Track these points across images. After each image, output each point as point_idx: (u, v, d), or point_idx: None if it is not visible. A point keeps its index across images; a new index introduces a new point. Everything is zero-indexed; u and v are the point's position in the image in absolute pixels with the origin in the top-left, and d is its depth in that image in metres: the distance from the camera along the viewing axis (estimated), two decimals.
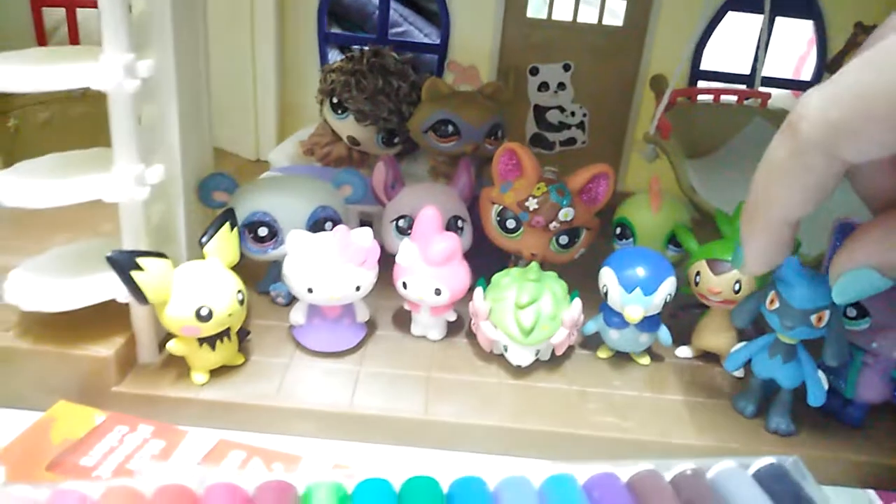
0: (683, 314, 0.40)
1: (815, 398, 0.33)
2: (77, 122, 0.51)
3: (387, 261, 0.38)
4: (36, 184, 0.31)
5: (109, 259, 0.30)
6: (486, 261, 0.41)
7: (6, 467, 0.29)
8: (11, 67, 0.29)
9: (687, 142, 0.52)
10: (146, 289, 0.31)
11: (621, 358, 0.39)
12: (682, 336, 0.40)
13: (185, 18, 0.34)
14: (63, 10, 0.55)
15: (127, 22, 0.30)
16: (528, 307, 0.35)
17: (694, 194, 0.48)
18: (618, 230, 0.43)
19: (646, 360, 0.39)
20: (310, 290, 0.35)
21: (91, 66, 0.29)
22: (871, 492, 0.33)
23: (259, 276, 0.42)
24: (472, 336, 0.39)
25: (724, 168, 0.51)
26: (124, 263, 0.31)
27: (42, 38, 0.55)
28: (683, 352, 0.40)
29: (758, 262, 0.29)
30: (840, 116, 0.24)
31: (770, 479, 0.26)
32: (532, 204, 0.39)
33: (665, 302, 0.36)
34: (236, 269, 0.35)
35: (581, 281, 0.39)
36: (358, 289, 0.36)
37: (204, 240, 0.34)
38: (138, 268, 0.31)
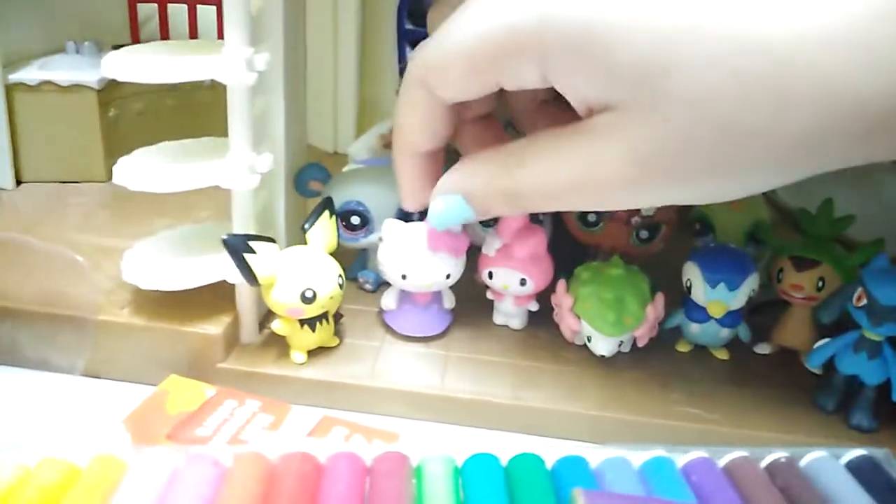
0: (763, 311, 0.41)
1: None
2: (168, 113, 0.54)
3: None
4: (158, 169, 0.33)
5: (225, 241, 0.32)
6: (567, 254, 0.42)
7: (131, 434, 0.31)
8: (143, 58, 0.31)
9: None
10: (257, 271, 0.33)
11: (700, 351, 0.40)
12: (760, 332, 0.40)
13: (292, 14, 0.36)
14: (155, 5, 0.58)
15: (248, 17, 0.31)
16: (612, 299, 0.36)
17: (772, 193, 0.49)
18: (697, 226, 0.44)
19: (724, 354, 0.40)
20: (403, 277, 0.36)
21: (215, 59, 0.31)
22: None
23: (347, 263, 0.44)
24: (552, 326, 0.40)
25: None
26: (238, 246, 0.32)
27: (136, 32, 0.58)
28: (762, 348, 0.40)
29: (408, 197, 0.34)
30: (432, 56, 0.28)
31: (863, 470, 0.27)
32: None
33: (748, 298, 0.37)
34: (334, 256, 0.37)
35: (660, 275, 0.40)
36: (448, 276, 0.37)
37: (307, 226, 0.36)
38: (251, 251, 0.33)
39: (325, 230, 0.36)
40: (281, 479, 0.24)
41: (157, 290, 0.35)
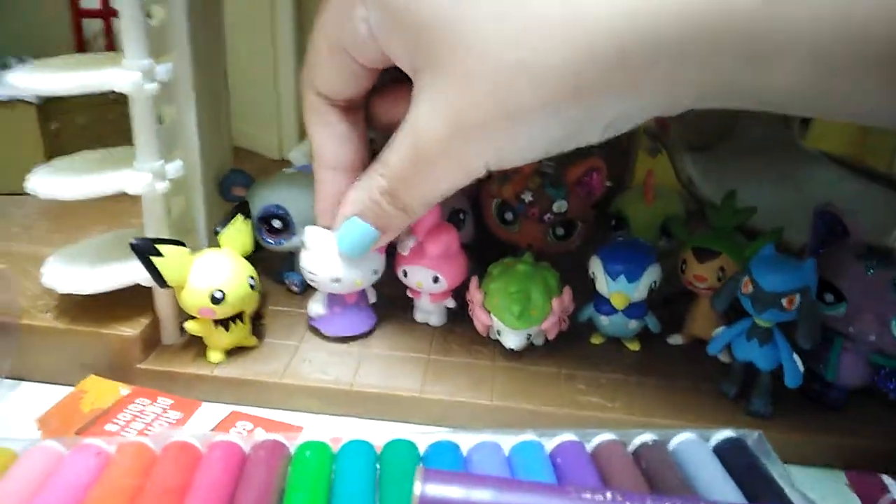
0: (677, 302, 0.42)
1: (792, 380, 0.34)
2: (112, 124, 0.55)
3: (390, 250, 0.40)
4: (66, 177, 0.34)
5: (132, 245, 0.34)
6: (490, 252, 0.43)
7: (42, 431, 0.32)
8: (44, 74, 0.33)
9: (694, 134, 0.54)
10: (165, 273, 0.34)
11: (614, 344, 0.41)
12: (674, 324, 0.41)
13: (201, 27, 0.37)
14: (101, 20, 0.59)
15: (145, 30, 0.33)
16: (518, 293, 0.37)
17: (692, 186, 0.50)
18: (613, 222, 0.45)
19: (636, 345, 0.41)
20: (336, 281, 0.37)
21: (113, 70, 0.33)
22: (843, 473, 0.34)
23: (277, 266, 0.45)
24: (471, 322, 0.41)
25: (728, 160, 0.53)
26: (145, 249, 0.34)
27: (81, 47, 0.59)
28: (675, 339, 0.42)
29: (321, 213, 0.36)
30: (309, 55, 0.33)
31: (728, 452, 0.28)
32: (527, 196, 0.41)
33: (651, 289, 0.38)
34: (255, 260, 0.38)
35: (581, 271, 0.41)
36: (375, 272, 0.38)
37: (218, 229, 0.37)
38: (158, 254, 0.34)
39: (237, 233, 0.37)
40: (160, 467, 0.26)
41: (78, 295, 0.36)
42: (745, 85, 0.24)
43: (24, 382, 0.37)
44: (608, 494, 0.22)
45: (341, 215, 0.34)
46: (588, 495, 0.22)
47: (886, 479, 0.32)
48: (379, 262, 0.38)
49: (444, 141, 0.28)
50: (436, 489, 0.22)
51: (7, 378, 0.37)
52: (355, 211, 0.33)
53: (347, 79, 0.33)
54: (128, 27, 0.32)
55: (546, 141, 0.28)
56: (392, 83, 0.34)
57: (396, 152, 0.30)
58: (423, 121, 0.28)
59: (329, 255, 0.37)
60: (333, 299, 0.40)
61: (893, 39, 0.21)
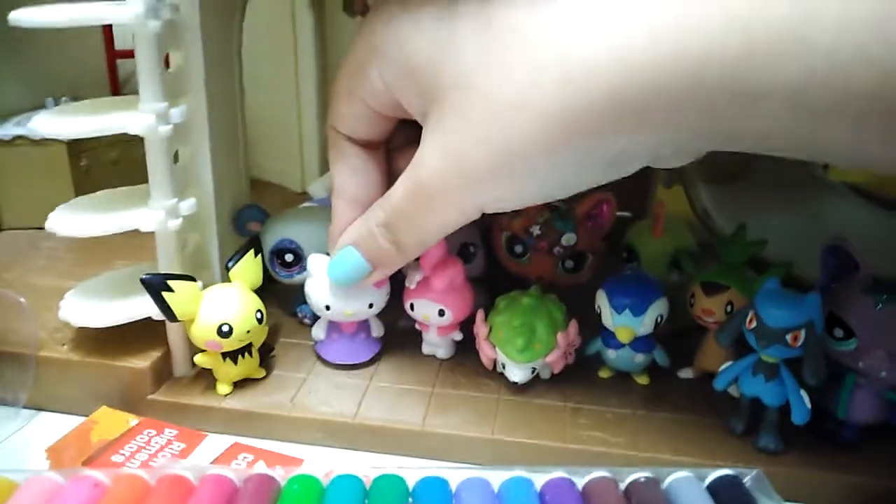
0: (688, 336, 0.41)
1: (799, 416, 0.34)
2: (140, 161, 0.56)
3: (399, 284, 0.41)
4: (83, 215, 0.36)
5: (143, 280, 0.35)
6: (501, 285, 0.43)
7: (51, 461, 0.33)
8: (65, 119, 0.34)
9: (710, 166, 0.53)
10: (175, 307, 0.35)
11: (623, 378, 0.41)
12: (688, 357, 0.41)
13: (218, 70, 0.39)
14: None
15: (160, 75, 0.34)
16: (522, 327, 0.37)
17: (708, 218, 0.50)
18: (624, 255, 0.45)
19: (644, 379, 0.40)
20: (327, 308, 0.38)
21: (129, 114, 0.34)
22: None
23: (290, 299, 0.46)
24: (478, 355, 0.41)
25: (745, 192, 0.52)
26: (155, 284, 0.35)
27: (115, 86, 0.62)
28: (685, 373, 0.41)
29: (332, 241, 0.37)
30: (332, 99, 0.35)
31: (723, 490, 0.28)
32: (536, 229, 0.42)
33: (657, 323, 0.38)
34: (270, 293, 0.39)
35: (592, 304, 0.40)
36: (371, 306, 0.39)
37: (230, 264, 0.38)
38: (169, 289, 0.35)
39: (248, 268, 0.38)
40: (152, 498, 0.26)
41: (93, 328, 0.37)
42: (744, 129, 0.24)
43: (41, 413, 0.39)
44: None
45: (339, 242, 0.35)
46: None
47: None
48: (376, 297, 0.39)
49: (442, 177, 0.29)
50: None
51: (25, 408, 0.38)
52: (351, 240, 0.34)
53: (363, 124, 0.34)
54: (143, 72, 0.34)
55: (541, 183, 0.28)
56: (412, 139, 0.35)
57: (399, 186, 0.31)
58: (426, 156, 0.29)
59: (322, 282, 0.38)
60: (332, 326, 0.41)
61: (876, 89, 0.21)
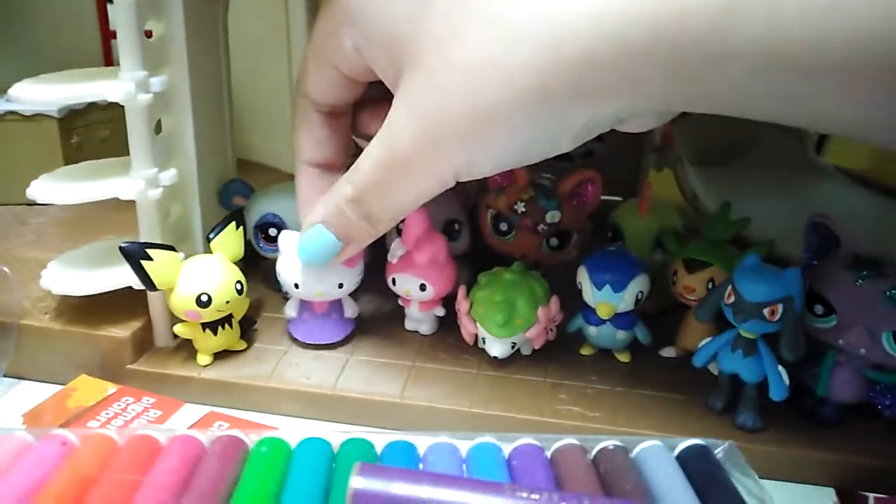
0: (671, 313, 0.41)
1: (776, 392, 0.33)
2: None
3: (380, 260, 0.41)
4: (64, 183, 0.36)
5: (122, 248, 0.35)
6: (486, 263, 0.43)
7: (27, 426, 0.34)
8: (44, 86, 0.34)
9: (701, 148, 0.53)
10: (154, 276, 0.35)
11: (604, 355, 0.41)
12: (670, 336, 0.41)
13: (201, 40, 0.39)
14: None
15: (139, 44, 0.34)
16: (502, 302, 0.37)
17: (696, 201, 0.49)
18: (609, 234, 0.45)
19: (626, 357, 0.40)
20: (296, 286, 0.38)
21: (109, 82, 0.34)
22: (832, 490, 0.33)
23: (274, 273, 0.46)
24: (460, 331, 0.41)
25: (736, 176, 0.52)
26: (134, 252, 0.35)
27: (109, 65, 0.62)
28: (667, 351, 0.41)
29: (302, 209, 0.36)
30: (302, 62, 0.34)
31: (692, 460, 0.27)
32: (520, 207, 0.42)
33: (637, 300, 0.38)
34: (256, 268, 0.39)
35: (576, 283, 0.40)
36: (341, 286, 0.39)
37: (211, 235, 0.38)
38: (148, 257, 0.35)
39: (229, 240, 0.38)
40: (119, 457, 0.26)
41: (76, 297, 0.38)
42: (713, 89, 0.24)
43: (22, 381, 0.39)
44: (544, 494, 0.22)
45: (307, 221, 0.34)
46: (524, 494, 0.22)
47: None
48: (347, 278, 0.38)
49: (415, 142, 0.28)
50: (370, 483, 0.22)
51: (6, 376, 0.38)
52: (319, 218, 0.33)
53: (333, 88, 0.34)
54: (123, 41, 0.34)
55: (516, 146, 0.28)
56: (378, 98, 0.35)
57: (369, 157, 0.31)
58: (397, 122, 0.29)
59: (292, 260, 0.37)
60: (304, 305, 0.40)
61: (851, 44, 0.21)
